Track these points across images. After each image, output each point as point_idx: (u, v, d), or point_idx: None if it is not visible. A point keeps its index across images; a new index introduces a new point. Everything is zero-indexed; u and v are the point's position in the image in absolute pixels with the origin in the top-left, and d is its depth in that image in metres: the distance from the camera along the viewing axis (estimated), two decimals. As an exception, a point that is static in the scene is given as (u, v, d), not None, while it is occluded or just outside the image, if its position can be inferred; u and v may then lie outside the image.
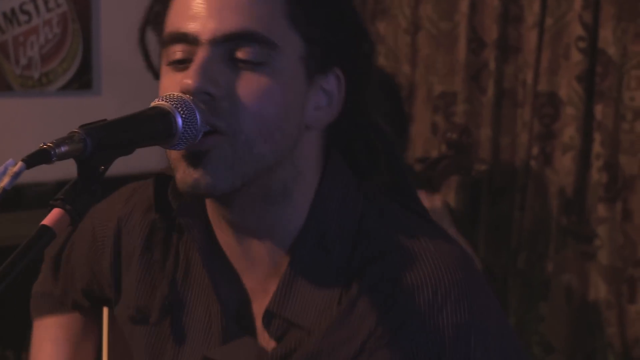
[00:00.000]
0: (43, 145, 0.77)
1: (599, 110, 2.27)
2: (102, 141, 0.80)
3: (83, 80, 2.63)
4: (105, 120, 0.83)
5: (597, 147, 2.29)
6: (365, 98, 1.01)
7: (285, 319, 0.97)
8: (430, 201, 2.01)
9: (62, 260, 1.23)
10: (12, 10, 2.47)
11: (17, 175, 0.74)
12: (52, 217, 0.78)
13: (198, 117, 0.88)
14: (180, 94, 0.88)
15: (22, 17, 2.50)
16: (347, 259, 0.97)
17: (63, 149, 0.77)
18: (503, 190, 2.54)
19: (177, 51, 0.91)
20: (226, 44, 0.90)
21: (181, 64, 0.91)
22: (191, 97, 0.88)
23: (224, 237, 1.01)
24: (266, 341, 0.99)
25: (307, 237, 0.99)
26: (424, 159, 2.34)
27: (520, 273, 2.44)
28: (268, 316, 0.98)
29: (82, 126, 0.80)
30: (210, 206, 1.01)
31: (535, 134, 2.39)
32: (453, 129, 2.39)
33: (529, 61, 2.41)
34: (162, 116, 0.86)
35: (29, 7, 2.50)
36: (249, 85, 0.90)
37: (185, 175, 0.91)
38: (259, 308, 1.01)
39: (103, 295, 1.17)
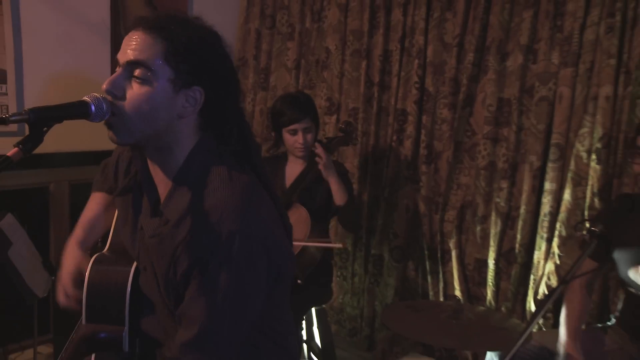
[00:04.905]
0: (2, 116, 0.97)
1: (424, 119, 3.21)
2: (40, 115, 1.02)
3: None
4: (50, 105, 1.03)
5: (422, 137, 3.22)
6: (221, 103, 1.22)
7: (165, 214, 1.22)
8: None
9: (104, 166, 1.58)
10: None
11: None
12: (12, 152, 0.99)
13: (104, 106, 1.12)
14: (96, 94, 1.11)
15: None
16: (198, 191, 1.18)
17: (14, 118, 0.98)
18: (379, 157, 3.39)
19: (118, 68, 1.16)
20: (129, 66, 1.15)
21: None
22: (103, 95, 1.12)
23: (149, 165, 1.27)
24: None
25: (181, 174, 1.21)
26: (328, 137, 2.91)
27: (386, 199, 3.34)
28: (160, 211, 1.25)
29: (32, 107, 1.00)
30: None
31: (395, 129, 3.28)
32: (343, 123, 2.95)
33: (393, 93, 3.27)
34: (83, 105, 1.10)
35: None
36: (134, 91, 1.12)
37: (108, 133, 1.16)
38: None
39: None
